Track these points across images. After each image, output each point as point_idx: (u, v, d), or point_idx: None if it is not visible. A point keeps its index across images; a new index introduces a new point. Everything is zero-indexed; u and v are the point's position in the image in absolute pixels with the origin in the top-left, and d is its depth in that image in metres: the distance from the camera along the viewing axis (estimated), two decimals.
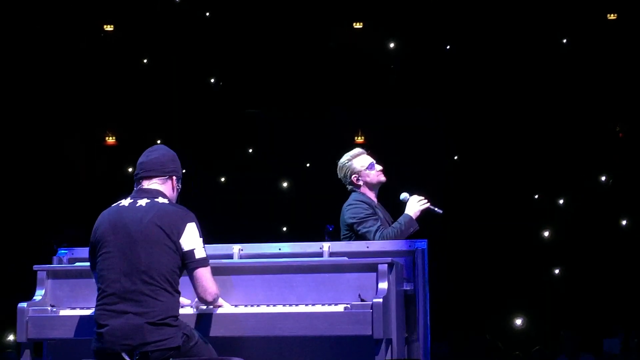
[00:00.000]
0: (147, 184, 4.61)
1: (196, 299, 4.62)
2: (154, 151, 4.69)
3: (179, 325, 4.41)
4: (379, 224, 5.72)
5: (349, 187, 6.00)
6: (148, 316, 4.34)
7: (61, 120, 13.02)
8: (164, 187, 4.62)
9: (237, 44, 13.29)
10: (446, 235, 11.72)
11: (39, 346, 5.12)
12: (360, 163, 5.97)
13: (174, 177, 4.67)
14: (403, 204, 5.88)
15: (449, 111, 13.15)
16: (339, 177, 6.06)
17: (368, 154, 6.05)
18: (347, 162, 5.99)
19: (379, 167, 5.97)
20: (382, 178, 5.96)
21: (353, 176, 5.95)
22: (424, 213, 5.84)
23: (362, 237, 5.69)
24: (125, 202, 4.58)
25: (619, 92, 13.04)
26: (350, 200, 5.89)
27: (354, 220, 5.74)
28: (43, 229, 12.14)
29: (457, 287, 12.32)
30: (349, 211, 5.80)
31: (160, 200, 4.55)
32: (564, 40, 13.29)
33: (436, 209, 5.87)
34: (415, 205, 5.83)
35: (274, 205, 13.25)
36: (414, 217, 5.77)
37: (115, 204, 4.61)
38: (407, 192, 5.93)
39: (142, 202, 4.53)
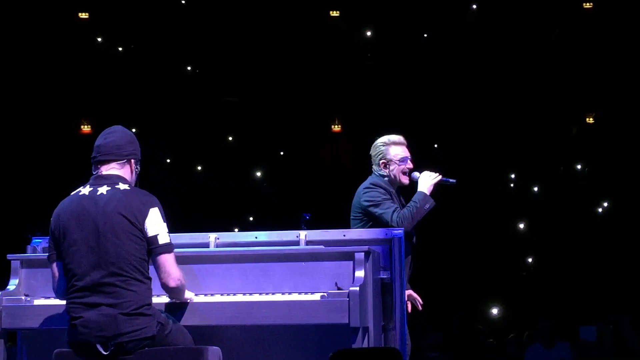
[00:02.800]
0: (105, 170, 4.53)
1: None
2: (111, 133, 4.59)
3: (153, 314, 4.39)
4: (395, 205, 5.66)
5: (374, 168, 5.88)
6: (121, 307, 4.31)
7: (35, 109, 12.93)
8: (122, 172, 4.54)
9: (213, 32, 13.23)
10: (423, 224, 11.71)
11: (13, 336, 5.09)
12: (395, 152, 5.83)
13: (132, 160, 4.58)
14: (415, 184, 5.78)
15: (426, 100, 13.16)
16: (370, 153, 5.91)
17: (407, 147, 5.90)
18: (383, 146, 5.85)
19: (409, 165, 5.84)
20: (405, 180, 5.82)
21: (382, 161, 5.83)
22: (438, 187, 5.76)
23: (377, 219, 5.61)
24: (85, 190, 4.50)
25: (594, 81, 13.09)
26: (366, 183, 5.79)
27: (370, 203, 5.65)
28: (17, 218, 12.05)
29: (433, 276, 12.33)
30: (366, 194, 5.71)
31: (121, 186, 4.47)
32: (539, 31, 13.31)
33: (449, 180, 5.81)
34: (427, 180, 5.73)
35: (249, 193, 13.23)
36: (427, 193, 5.68)
37: (74, 192, 4.53)
38: (417, 171, 5.84)
39: (103, 189, 4.45)
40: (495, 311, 12.89)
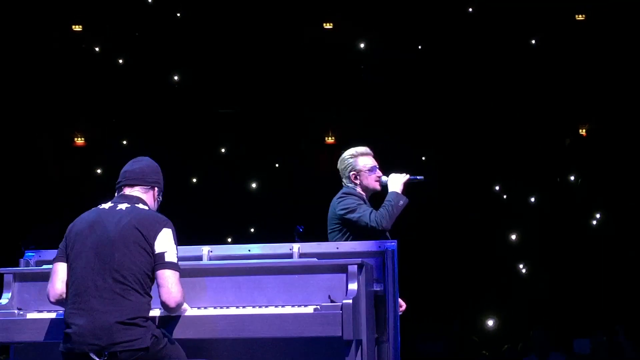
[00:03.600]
0: (128, 191, 4.70)
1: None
2: (139, 161, 4.79)
3: (147, 326, 4.40)
4: (371, 208, 5.74)
5: (344, 181, 5.96)
6: (117, 314, 4.34)
7: (30, 122, 12.92)
8: (145, 196, 4.70)
9: (208, 44, 13.25)
10: (416, 234, 11.74)
11: (6, 349, 5.08)
12: (363, 162, 5.94)
13: (156, 189, 4.76)
14: (386, 189, 5.86)
15: (419, 109, 13.18)
16: (337, 167, 6.01)
17: (373, 157, 6.01)
18: (351, 158, 5.96)
19: (379, 173, 5.95)
20: (377, 186, 5.93)
21: (352, 173, 5.92)
22: (409, 187, 5.84)
23: (355, 224, 5.66)
24: (106, 205, 4.65)
25: (587, 92, 13.12)
26: (339, 194, 5.87)
27: (347, 210, 5.72)
28: (10, 230, 12.04)
29: (426, 286, 12.34)
30: (340, 204, 5.78)
31: (141, 206, 4.62)
32: (533, 41, 13.35)
33: (417, 177, 5.90)
34: (397, 180, 5.83)
35: (243, 205, 13.22)
36: (399, 192, 5.77)
37: (95, 207, 4.66)
38: (384, 175, 5.93)
39: (123, 206, 4.60)
40: (489, 323, 12.88)
